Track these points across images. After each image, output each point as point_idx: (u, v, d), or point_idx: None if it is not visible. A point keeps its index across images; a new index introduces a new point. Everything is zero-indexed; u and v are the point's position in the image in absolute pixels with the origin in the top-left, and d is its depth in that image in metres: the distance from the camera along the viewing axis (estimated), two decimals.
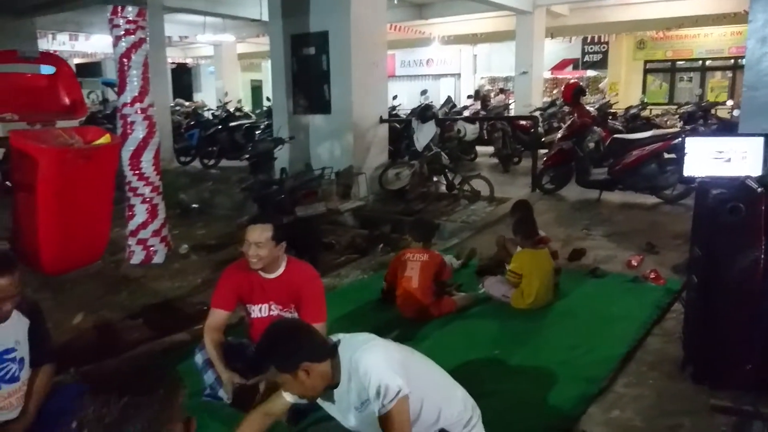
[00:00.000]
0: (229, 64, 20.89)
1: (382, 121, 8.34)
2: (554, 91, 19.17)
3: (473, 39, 19.18)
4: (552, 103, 12.91)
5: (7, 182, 3.39)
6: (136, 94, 5.19)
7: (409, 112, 11.28)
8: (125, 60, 5.14)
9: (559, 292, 4.36)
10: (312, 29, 7.99)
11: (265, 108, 14.70)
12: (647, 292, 4.38)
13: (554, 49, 19.07)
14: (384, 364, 2.06)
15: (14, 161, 3.10)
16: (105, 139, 3.40)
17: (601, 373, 3.19)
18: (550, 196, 7.67)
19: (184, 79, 24.63)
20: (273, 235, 2.94)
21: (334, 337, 2.16)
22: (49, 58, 3.58)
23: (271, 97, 9.81)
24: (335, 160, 7.59)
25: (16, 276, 2.31)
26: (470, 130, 10.23)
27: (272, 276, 3.03)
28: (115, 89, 5.30)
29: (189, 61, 24.55)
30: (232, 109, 13.87)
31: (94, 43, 18.52)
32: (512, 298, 4.16)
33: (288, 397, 2.29)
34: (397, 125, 9.82)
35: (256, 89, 25.90)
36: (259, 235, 2.91)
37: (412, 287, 4.02)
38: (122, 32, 5.09)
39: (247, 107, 18.29)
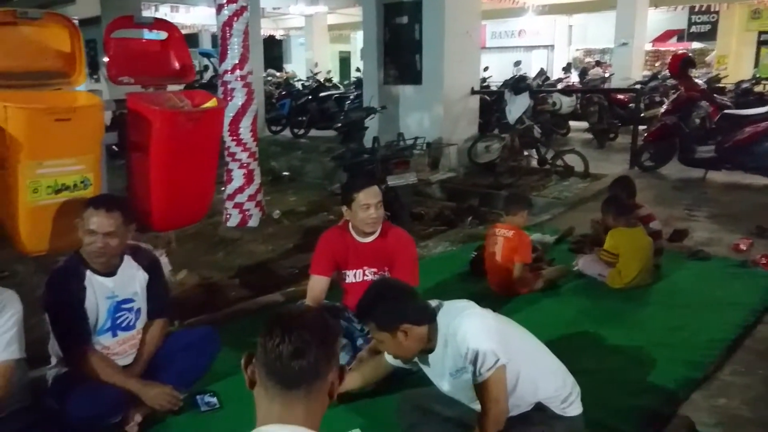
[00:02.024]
0: (319, 35, 21.10)
1: (473, 92, 8.20)
2: (656, 64, 18.10)
3: (569, 8, 18.37)
4: (653, 77, 12.20)
5: (114, 146, 3.57)
6: (237, 61, 5.36)
7: (501, 84, 11.02)
8: (227, 28, 5.30)
9: (659, 274, 4.16)
10: None
11: (353, 79, 14.78)
12: (756, 278, 4.11)
13: (657, 19, 17.91)
14: (483, 332, 2.04)
15: (130, 123, 3.28)
16: (212, 102, 3.52)
17: (705, 358, 3.03)
18: (650, 174, 7.31)
19: (274, 50, 25.14)
20: (382, 197, 3.02)
21: (433, 302, 2.16)
22: (162, 24, 3.73)
23: (361, 67, 9.84)
24: (424, 131, 7.52)
25: (117, 216, 2.42)
26: (566, 103, 9.84)
27: (368, 240, 3.07)
28: (212, 59, 5.47)
29: (280, 32, 25.01)
30: (321, 80, 14.05)
31: (192, 14, 19.27)
32: (608, 277, 4.01)
33: (391, 361, 2.33)
34: (488, 97, 9.62)
35: (344, 60, 26.08)
36: (375, 196, 2.99)
37: (496, 262, 3.97)
38: (225, 1, 5.26)
39: (336, 78, 18.47)
